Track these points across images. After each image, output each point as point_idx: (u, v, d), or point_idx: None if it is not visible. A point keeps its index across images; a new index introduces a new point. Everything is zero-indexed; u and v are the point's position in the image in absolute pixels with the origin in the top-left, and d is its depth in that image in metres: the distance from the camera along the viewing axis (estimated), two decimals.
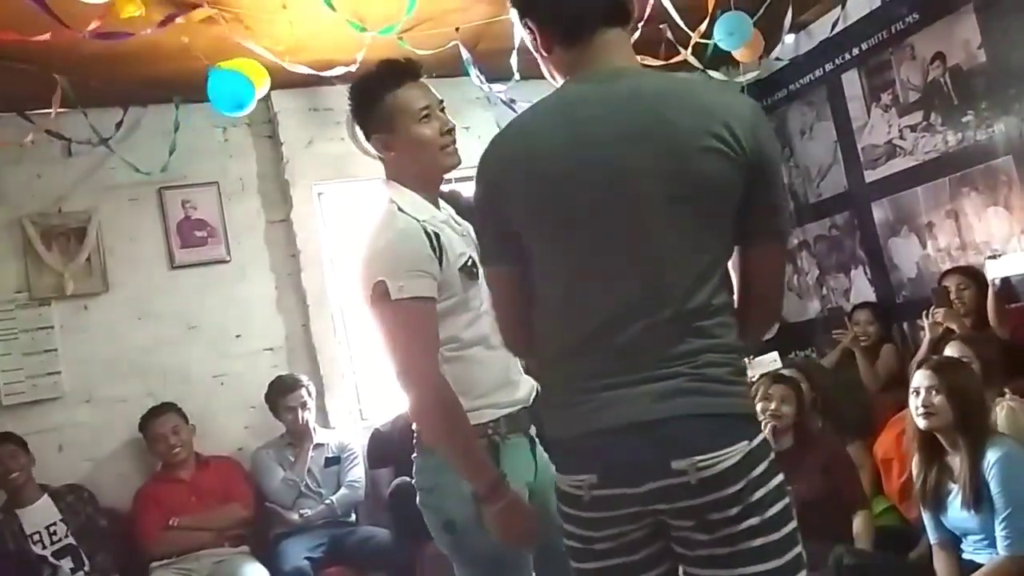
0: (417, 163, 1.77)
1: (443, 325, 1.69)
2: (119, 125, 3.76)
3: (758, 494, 1.26)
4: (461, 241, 1.76)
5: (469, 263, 1.72)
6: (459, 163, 1.81)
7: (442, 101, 1.82)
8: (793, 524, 1.30)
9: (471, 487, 1.67)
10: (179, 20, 2.81)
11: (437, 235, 1.69)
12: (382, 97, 1.77)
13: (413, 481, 1.82)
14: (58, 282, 3.68)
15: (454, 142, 1.80)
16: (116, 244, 3.84)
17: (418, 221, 1.69)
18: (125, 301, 3.81)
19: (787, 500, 1.30)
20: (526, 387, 1.82)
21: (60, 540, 3.24)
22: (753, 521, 1.25)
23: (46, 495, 3.32)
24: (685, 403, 1.26)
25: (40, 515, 3.26)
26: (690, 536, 1.28)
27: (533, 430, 1.83)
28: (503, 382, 1.77)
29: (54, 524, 3.26)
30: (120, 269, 3.83)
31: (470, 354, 1.73)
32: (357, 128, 1.88)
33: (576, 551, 1.38)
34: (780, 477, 1.30)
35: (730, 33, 3.63)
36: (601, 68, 1.34)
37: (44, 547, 3.21)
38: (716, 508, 1.25)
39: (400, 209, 1.71)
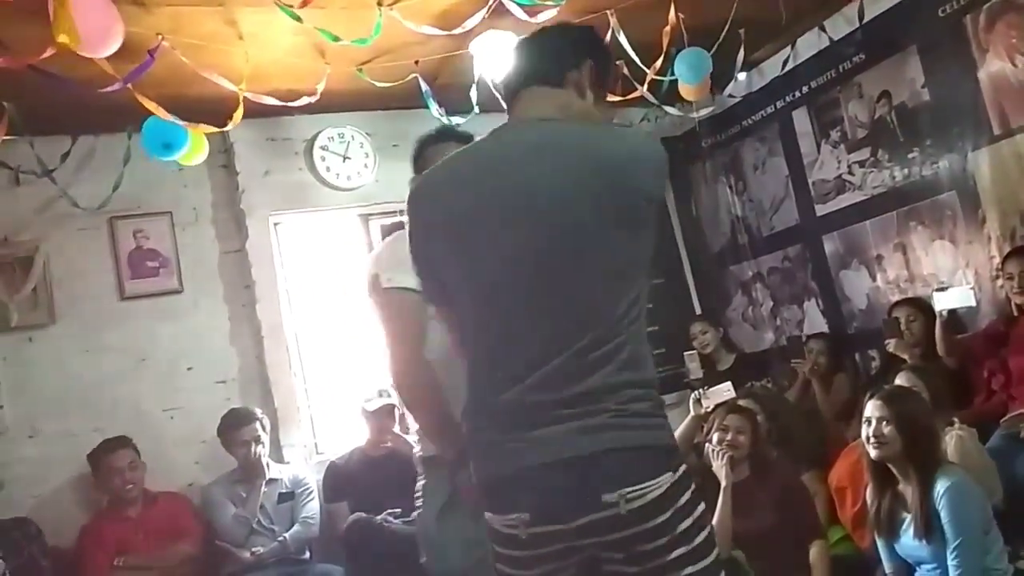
0: None
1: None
2: (65, 156, 3.67)
3: (684, 524, 1.31)
4: None
5: None
6: None
7: None
8: (716, 553, 1.35)
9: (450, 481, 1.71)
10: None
11: None
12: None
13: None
14: (2, 314, 3.58)
15: None
16: (64, 275, 3.74)
17: None
18: (72, 333, 3.71)
19: (709, 529, 1.36)
20: None
21: None
22: (681, 551, 1.30)
23: None
24: (611, 437, 1.30)
25: None
26: (622, 570, 1.31)
27: None
28: None
29: None
30: (68, 300, 3.73)
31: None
32: None
33: None
34: (702, 506, 1.36)
35: (692, 67, 3.74)
36: (528, 115, 1.47)
37: None
38: (645, 539, 1.29)
39: None
